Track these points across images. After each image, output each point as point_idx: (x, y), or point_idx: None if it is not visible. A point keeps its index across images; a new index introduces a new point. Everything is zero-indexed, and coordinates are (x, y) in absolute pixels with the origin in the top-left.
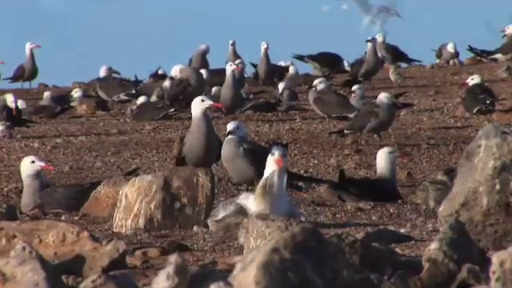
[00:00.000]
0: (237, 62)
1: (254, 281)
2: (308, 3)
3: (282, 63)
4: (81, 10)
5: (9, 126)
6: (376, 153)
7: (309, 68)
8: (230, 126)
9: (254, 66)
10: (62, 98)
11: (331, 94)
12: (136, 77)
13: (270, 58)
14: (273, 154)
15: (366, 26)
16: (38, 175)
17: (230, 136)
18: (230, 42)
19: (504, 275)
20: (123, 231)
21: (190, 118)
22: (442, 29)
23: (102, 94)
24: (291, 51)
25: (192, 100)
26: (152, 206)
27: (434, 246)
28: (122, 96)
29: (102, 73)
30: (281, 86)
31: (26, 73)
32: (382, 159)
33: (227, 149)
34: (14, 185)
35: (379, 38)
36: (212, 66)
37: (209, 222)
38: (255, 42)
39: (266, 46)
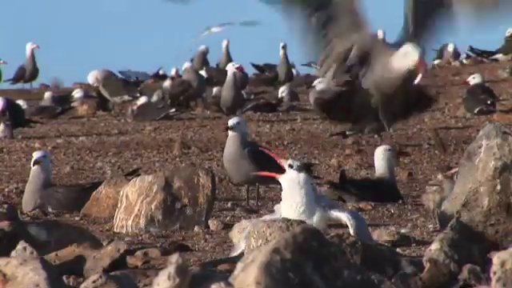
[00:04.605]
0: (230, 64)
1: (254, 281)
2: None
3: None
4: (82, 9)
5: (9, 125)
6: None
7: (310, 69)
8: (231, 122)
9: (255, 66)
10: (62, 99)
11: (332, 95)
12: (137, 77)
13: (289, 59)
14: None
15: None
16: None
17: (232, 133)
18: (224, 42)
19: (505, 276)
20: (124, 231)
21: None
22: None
23: (104, 93)
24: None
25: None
26: (153, 206)
27: (434, 246)
28: (126, 97)
29: (91, 79)
30: (282, 89)
31: (27, 73)
32: (379, 157)
33: (231, 149)
34: (15, 185)
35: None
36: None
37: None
38: (255, 42)
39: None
